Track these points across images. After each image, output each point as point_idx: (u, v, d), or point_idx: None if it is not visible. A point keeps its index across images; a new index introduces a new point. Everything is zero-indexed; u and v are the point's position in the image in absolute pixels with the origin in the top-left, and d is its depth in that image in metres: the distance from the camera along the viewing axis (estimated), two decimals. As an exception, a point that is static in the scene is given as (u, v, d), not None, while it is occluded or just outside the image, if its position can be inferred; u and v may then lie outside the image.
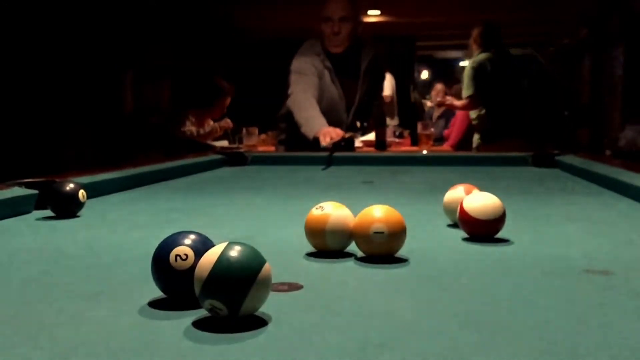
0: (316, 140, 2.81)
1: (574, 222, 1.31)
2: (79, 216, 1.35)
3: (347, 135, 2.97)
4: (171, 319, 0.68)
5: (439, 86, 6.32)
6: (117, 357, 0.58)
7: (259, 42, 8.05)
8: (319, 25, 3.09)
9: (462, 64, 12.51)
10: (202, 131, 3.93)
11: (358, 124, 4.15)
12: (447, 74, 11.12)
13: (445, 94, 6.01)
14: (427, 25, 8.51)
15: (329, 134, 2.73)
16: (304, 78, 3.01)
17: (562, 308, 0.72)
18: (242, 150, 3.24)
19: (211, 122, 4.04)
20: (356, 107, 3.16)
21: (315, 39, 3.15)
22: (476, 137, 4.40)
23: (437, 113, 6.19)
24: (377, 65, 3.26)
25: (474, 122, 4.38)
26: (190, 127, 3.91)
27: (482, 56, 4.17)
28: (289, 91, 3.05)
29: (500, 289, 0.81)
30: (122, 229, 1.25)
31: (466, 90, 4.18)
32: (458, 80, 6.27)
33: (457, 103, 4.47)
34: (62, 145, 4.55)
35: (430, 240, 1.12)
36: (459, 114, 5.36)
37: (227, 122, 4.14)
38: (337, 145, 2.72)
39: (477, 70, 4.10)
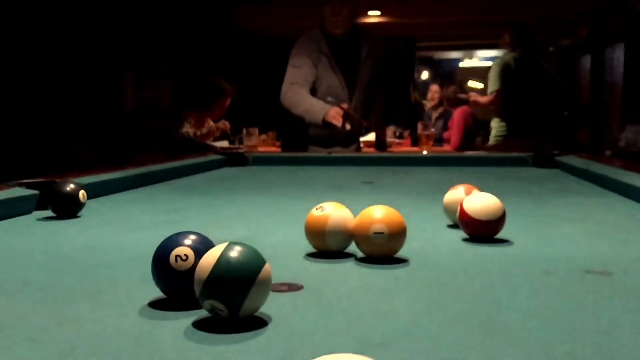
0: (326, 124, 2.88)
1: (574, 222, 1.31)
2: (79, 216, 1.36)
3: (365, 123, 3.02)
4: (171, 319, 0.68)
5: (434, 87, 6.42)
6: (117, 357, 0.58)
7: (258, 42, 8.05)
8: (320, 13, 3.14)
9: (461, 64, 12.52)
10: (198, 132, 3.93)
11: (392, 130, 4.41)
12: (448, 74, 11.13)
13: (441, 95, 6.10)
14: (428, 26, 8.51)
15: (337, 114, 2.83)
16: (295, 71, 3.05)
17: (562, 308, 0.72)
18: (242, 150, 3.24)
19: (211, 123, 4.04)
20: (359, 94, 3.16)
21: (314, 28, 3.17)
22: (493, 133, 4.57)
23: (435, 114, 6.21)
24: (379, 55, 3.29)
25: (492, 110, 4.60)
26: (188, 129, 3.91)
27: (509, 55, 4.45)
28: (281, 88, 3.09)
29: (500, 290, 0.81)
30: (123, 229, 1.25)
31: (491, 86, 4.44)
32: (452, 82, 6.29)
33: (482, 99, 4.69)
34: (63, 146, 4.55)
35: (431, 241, 1.12)
36: (456, 116, 5.37)
37: (225, 124, 4.14)
38: (347, 117, 2.81)
39: (502, 67, 4.37)
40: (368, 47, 3.19)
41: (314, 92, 3.05)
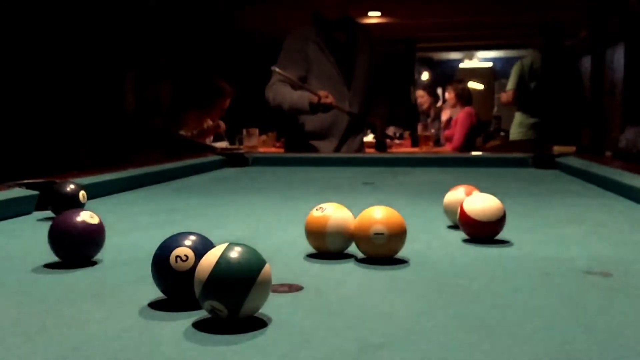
0: (314, 107, 2.93)
1: (574, 223, 1.31)
2: (79, 217, 1.35)
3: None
4: (171, 320, 0.68)
5: (420, 92, 6.54)
6: (117, 357, 0.58)
7: (258, 42, 8.05)
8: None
9: (461, 65, 12.53)
10: (189, 133, 3.92)
11: (392, 130, 4.63)
12: (448, 75, 11.14)
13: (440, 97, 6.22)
14: (428, 27, 8.52)
15: (322, 98, 2.91)
16: (276, 74, 3.06)
17: (562, 309, 0.72)
18: (242, 151, 3.24)
19: (210, 122, 4.04)
20: (358, 82, 3.15)
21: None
22: (513, 130, 4.94)
23: (430, 118, 6.26)
24: (376, 44, 3.31)
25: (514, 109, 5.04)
26: (184, 132, 3.90)
27: (530, 56, 4.86)
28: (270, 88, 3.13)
29: (500, 290, 0.81)
30: (123, 229, 1.25)
31: (508, 84, 4.90)
32: (459, 80, 6.33)
33: (502, 98, 5.12)
34: (63, 146, 4.55)
35: (431, 242, 1.12)
36: (460, 116, 5.39)
37: (220, 124, 4.13)
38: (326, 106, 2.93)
39: (520, 68, 4.80)
40: (363, 34, 3.21)
41: (305, 80, 3.05)
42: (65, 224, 0.94)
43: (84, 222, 0.94)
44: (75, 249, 0.94)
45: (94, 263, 0.96)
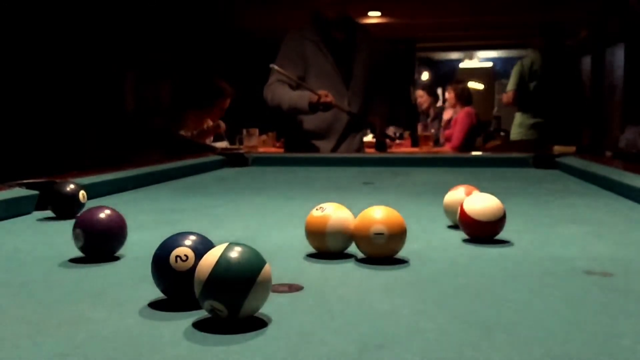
0: (313, 107, 2.93)
1: (574, 223, 1.31)
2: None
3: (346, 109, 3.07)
4: (171, 320, 0.68)
5: (420, 92, 6.57)
6: (117, 357, 0.58)
7: (259, 42, 8.06)
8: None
9: (461, 65, 12.53)
10: (189, 134, 3.92)
11: (392, 130, 4.64)
12: (447, 75, 11.14)
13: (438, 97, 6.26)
14: (428, 27, 8.52)
15: (322, 97, 2.90)
16: (274, 75, 3.06)
17: (562, 309, 0.72)
18: (242, 151, 3.24)
19: (210, 123, 4.03)
20: (357, 82, 3.15)
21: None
22: (514, 130, 4.98)
23: (430, 118, 6.27)
24: (375, 44, 3.32)
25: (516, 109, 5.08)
26: (184, 132, 3.90)
27: (530, 57, 4.88)
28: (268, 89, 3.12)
29: (500, 290, 0.81)
30: (123, 229, 1.25)
31: (509, 85, 4.94)
32: (459, 81, 6.33)
33: (503, 98, 5.17)
34: (62, 146, 4.55)
35: (431, 242, 1.12)
36: (460, 116, 5.39)
37: (220, 124, 4.13)
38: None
39: (520, 69, 4.84)
40: (362, 34, 3.21)
41: (303, 80, 3.05)
42: (106, 218, 0.97)
43: (121, 216, 0.99)
44: (112, 242, 0.98)
45: (96, 263, 0.96)
